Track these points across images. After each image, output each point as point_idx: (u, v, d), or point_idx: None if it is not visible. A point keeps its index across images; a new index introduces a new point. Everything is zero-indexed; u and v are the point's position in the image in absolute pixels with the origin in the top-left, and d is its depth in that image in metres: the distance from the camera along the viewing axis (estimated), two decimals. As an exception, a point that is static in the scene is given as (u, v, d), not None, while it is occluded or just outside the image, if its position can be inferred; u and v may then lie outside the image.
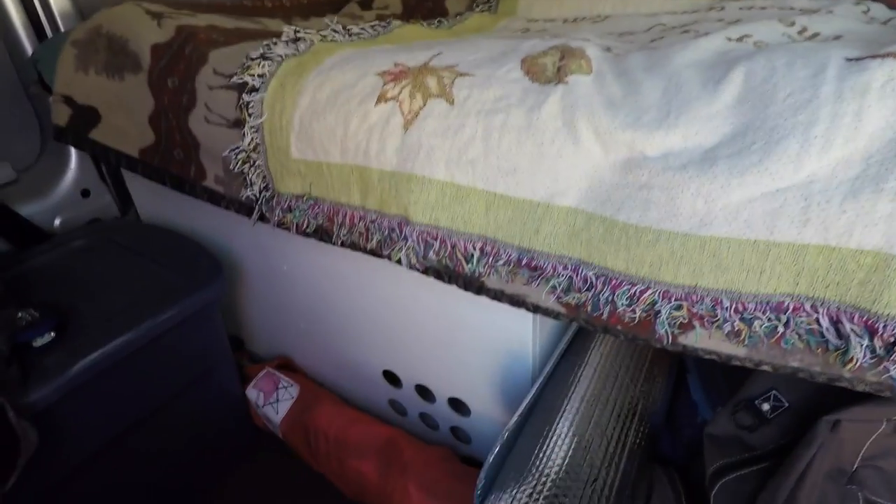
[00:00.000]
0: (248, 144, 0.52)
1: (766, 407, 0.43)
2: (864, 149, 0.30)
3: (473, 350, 0.58)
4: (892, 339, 0.30)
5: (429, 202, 0.43)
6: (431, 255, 0.44)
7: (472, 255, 0.43)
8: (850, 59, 0.33)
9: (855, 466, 0.38)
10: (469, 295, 0.54)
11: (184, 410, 0.70)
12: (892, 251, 0.29)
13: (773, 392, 0.43)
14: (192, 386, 0.70)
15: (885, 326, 0.30)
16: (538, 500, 0.44)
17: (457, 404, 0.66)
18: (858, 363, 0.31)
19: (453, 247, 0.43)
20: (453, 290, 0.55)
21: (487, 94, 0.41)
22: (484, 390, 0.61)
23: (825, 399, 0.41)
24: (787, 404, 0.42)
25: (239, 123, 0.53)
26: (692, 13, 0.64)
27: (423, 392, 0.68)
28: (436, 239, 0.44)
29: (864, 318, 0.31)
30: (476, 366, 0.59)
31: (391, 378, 0.71)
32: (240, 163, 0.54)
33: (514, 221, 0.40)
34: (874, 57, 0.33)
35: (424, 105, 0.43)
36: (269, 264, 0.73)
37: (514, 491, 0.45)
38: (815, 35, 0.47)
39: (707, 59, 0.40)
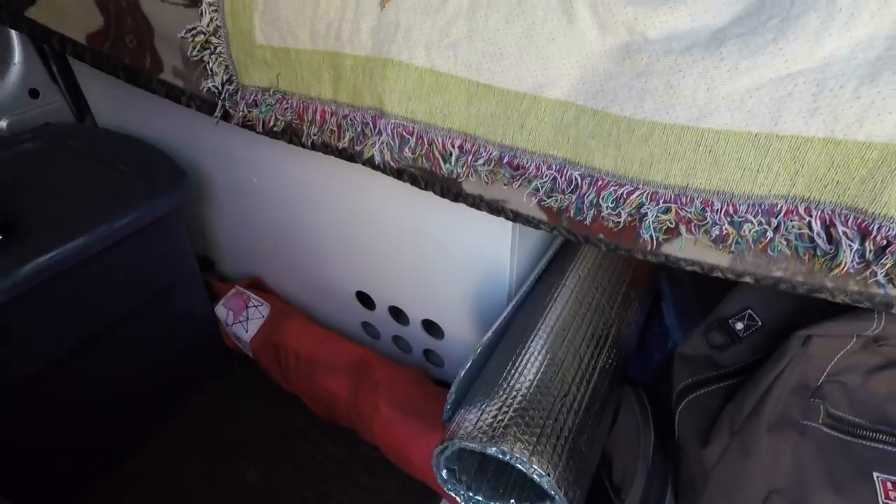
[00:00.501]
0: (208, 25, 0.47)
1: (739, 326, 0.42)
2: (892, 25, 0.27)
3: (449, 271, 0.56)
4: (884, 242, 0.29)
5: (405, 91, 0.39)
6: (407, 151, 0.41)
7: (451, 154, 0.40)
8: None
9: (820, 381, 0.38)
10: (446, 213, 0.51)
11: (148, 325, 0.67)
12: (888, 144, 0.27)
13: (748, 311, 0.42)
14: (155, 300, 0.67)
15: (879, 228, 0.28)
16: (507, 412, 0.43)
17: (430, 327, 0.64)
18: (845, 268, 0.30)
19: (430, 144, 0.40)
20: (429, 207, 0.52)
21: None
22: (459, 313, 0.59)
23: (798, 319, 0.41)
24: (760, 323, 0.42)
25: (197, 2, 0.47)
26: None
27: (397, 314, 0.67)
28: (412, 134, 0.40)
29: (859, 220, 0.29)
30: (451, 287, 0.58)
31: (364, 300, 0.69)
32: (198, 47, 0.48)
33: (498, 115, 0.37)
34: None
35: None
36: (237, 177, 0.69)
37: (484, 405, 0.45)
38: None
39: None
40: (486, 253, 0.53)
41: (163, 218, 0.62)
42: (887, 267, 0.29)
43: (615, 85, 0.33)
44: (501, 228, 0.49)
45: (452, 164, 0.40)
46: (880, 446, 0.37)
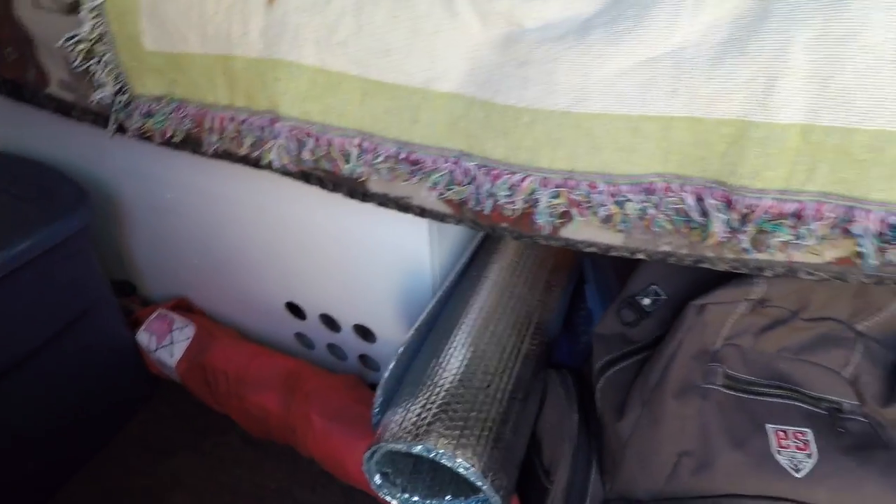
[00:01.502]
0: (91, 32, 0.44)
1: (646, 301, 0.44)
2: (734, 10, 0.30)
3: (373, 272, 0.56)
4: (745, 211, 0.31)
5: (299, 93, 0.38)
6: (307, 154, 0.40)
7: (350, 154, 0.39)
8: None
9: (717, 346, 0.40)
10: (362, 214, 0.51)
11: (61, 359, 0.63)
12: (748, 118, 0.29)
13: (653, 286, 0.44)
14: (66, 331, 0.62)
15: (739, 199, 0.31)
16: (431, 409, 0.43)
17: (363, 331, 0.64)
18: (717, 238, 0.32)
19: (329, 144, 0.39)
20: (345, 209, 0.51)
21: None
22: (388, 314, 0.59)
23: (698, 289, 0.43)
24: (665, 297, 0.44)
25: (76, 8, 0.44)
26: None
27: (329, 322, 0.65)
28: (309, 136, 0.40)
29: (723, 193, 0.31)
30: (377, 289, 0.57)
31: (295, 310, 0.67)
32: (81, 57, 0.46)
33: (392, 111, 0.37)
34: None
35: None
36: (151, 193, 0.66)
37: (409, 404, 0.45)
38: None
39: None
40: (407, 251, 0.53)
41: (65, 242, 0.58)
42: (751, 234, 0.31)
43: (499, 75, 0.34)
44: (418, 225, 0.50)
45: (353, 163, 0.40)
46: (772, 399, 0.40)
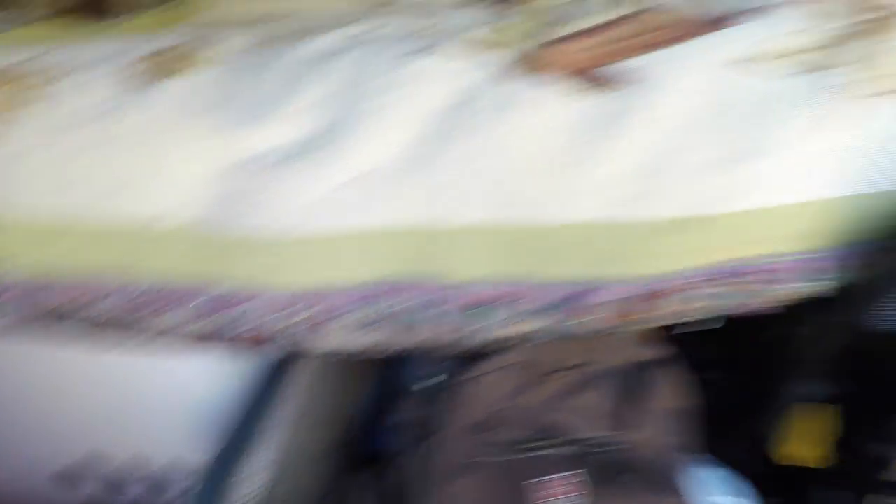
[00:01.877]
0: None
1: (426, 384, 0.48)
2: (419, 130, 0.36)
3: (166, 410, 0.52)
4: (453, 304, 0.36)
5: (24, 242, 0.37)
6: (42, 304, 0.38)
7: (94, 300, 0.38)
8: (408, 53, 0.39)
9: (485, 416, 0.44)
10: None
11: None
12: (436, 223, 0.36)
13: (431, 370, 0.48)
14: None
15: (444, 294, 0.36)
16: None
17: (156, 484, 0.56)
18: (438, 330, 0.37)
19: (64, 294, 0.37)
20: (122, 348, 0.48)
21: (84, 100, 0.38)
22: (187, 453, 0.54)
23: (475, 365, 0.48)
24: (443, 378, 0.48)
25: None
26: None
27: (115, 484, 0.57)
28: (41, 289, 0.37)
29: (431, 290, 0.36)
30: (173, 427, 0.52)
31: (72, 476, 0.57)
32: None
33: (127, 251, 0.37)
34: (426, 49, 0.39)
35: (8, 117, 0.37)
36: None
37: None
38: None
39: (315, 56, 0.41)
40: (198, 380, 0.50)
41: None
42: (464, 321, 0.37)
43: (229, 203, 0.37)
44: (206, 354, 0.48)
45: (101, 308, 0.38)
46: (546, 452, 0.44)
